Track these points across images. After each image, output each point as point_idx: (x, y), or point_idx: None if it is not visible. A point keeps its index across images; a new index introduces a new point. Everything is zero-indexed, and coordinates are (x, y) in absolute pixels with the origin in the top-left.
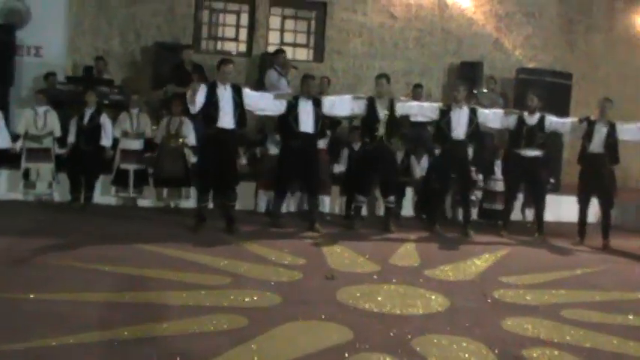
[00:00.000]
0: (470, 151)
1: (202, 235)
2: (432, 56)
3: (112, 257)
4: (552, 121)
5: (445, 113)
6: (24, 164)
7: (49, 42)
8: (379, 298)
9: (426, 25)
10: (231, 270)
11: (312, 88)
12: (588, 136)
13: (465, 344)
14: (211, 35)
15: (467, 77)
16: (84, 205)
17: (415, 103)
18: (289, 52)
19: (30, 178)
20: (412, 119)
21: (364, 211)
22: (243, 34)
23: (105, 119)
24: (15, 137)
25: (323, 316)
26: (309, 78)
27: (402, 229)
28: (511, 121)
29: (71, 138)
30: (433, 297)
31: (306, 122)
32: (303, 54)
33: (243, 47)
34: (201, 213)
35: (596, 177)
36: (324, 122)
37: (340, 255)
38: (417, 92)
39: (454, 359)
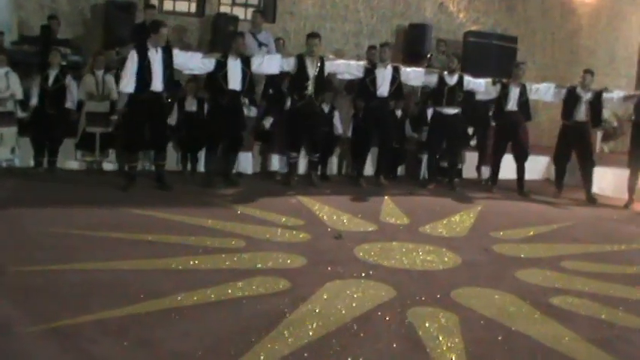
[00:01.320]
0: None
1: (184, 197)
2: (381, 18)
3: (117, 224)
4: (470, 81)
5: (370, 71)
6: None
7: None
8: (397, 256)
9: None
10: (240, 232)
11: (242, 46)
12: (505, 96)
13: (497, 296)
14: None
15: (416, 39)
16: (50, 171)
17: (342, 62)
18: (240, 13)
19: None
20: (339, 77)
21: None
22: None
23: (70, 81)
24: None
25: (355, 274)
26: (238, 36)
27: (329, 185)
28: (432, 80)
29: (34, 101)
30: (443, 253)
31: (235, 80)
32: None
33: (194, 7)
34: (132, 173)
35: (512, 133)
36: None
37: (333, 214)
38: (370, 53)
39: (498, 309)
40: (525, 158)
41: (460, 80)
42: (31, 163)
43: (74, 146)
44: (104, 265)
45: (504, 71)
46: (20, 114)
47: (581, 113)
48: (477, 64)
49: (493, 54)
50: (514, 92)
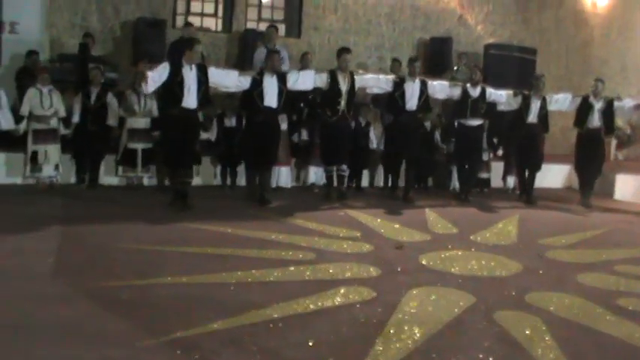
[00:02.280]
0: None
1: (235, 212)
2: (402, 32)
3: (182, 239)
4: (491, 92)
5: (399, 85)
6: (31, 147)
7: (24, 18)
8: (462, 263)
9: (396, 2)
10: (307, 245)
11: (277, 63)
12: (526, 108)
13: (567, 300)
14: (190, 11)
15: (438, 53)
16: (92, 187)
17: (371, 76)
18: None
19: (38, 160)
20: (368, 91)
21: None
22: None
23: (111, 98)
24: (18, 118)
25: (430, 282)
26: (274, 53)
27: (361, 198)
28: (456, 92)
29: (76, 118)
30: (503, 260)
31: (271, 97)
32: (281, 30)
33: (220, 24)
34: (177, 189)
35: (531, 144)
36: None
37: (384, 225)
38: (395, 66)
39: (573, 311)
40: (539, 169)
41: (483, 92)
42: (73, 179)
43: (114, 162)
44: (190, 279)
45: (524, 83)
46: (63, 131)
47: (594, 121)
48: (498, 76)
49: (513, 66)
50: (535, 104)
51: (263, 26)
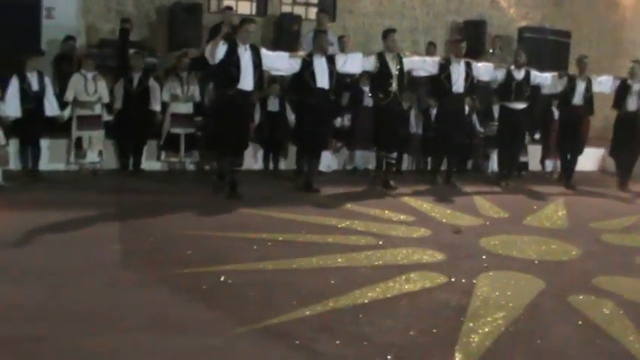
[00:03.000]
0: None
1: (286, 196)
2: (436, 15)
3: (241, 224)
4: (536, 75)
5: (444, 67)
6: (75, 132)
7: (61, 3)
8: (521, 247)
9: None
10: (368, 230)
11: (326, 44)
12: (571, 90)
13: (637, 283)
14: None
15: (471, 36)
16: (136, 172)
17: (418, 58)
18: (301, 12)
19: (82, 146)
20: (414, 74)
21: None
22: None
23: (153, 83)
24: (62, 104)
25: (497, 266)
26: (321, 33)
27: (404, 183)
28: (500, 74)
29: (118, 104)
30: (561, 244)
31: (322, 78)
32: (314, 13)
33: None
34: (223, 174)
35: (576, 126)
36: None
37: (436, 209)
38: (430, 49)
39: None
40: (581, 152)
41: (527, 75)
42: (115, 165)
43: (157, 147)
44: (264, 266)
45: (559, 65)
46: (106, 117)
47: (632, 104)
48: (532, 59)
49: (547, 49)
50: (580, 86)
51: (298, 10)
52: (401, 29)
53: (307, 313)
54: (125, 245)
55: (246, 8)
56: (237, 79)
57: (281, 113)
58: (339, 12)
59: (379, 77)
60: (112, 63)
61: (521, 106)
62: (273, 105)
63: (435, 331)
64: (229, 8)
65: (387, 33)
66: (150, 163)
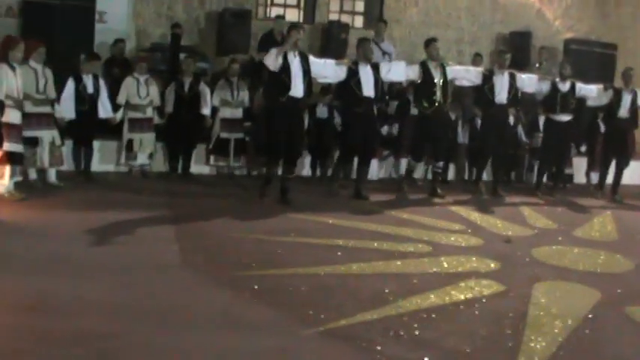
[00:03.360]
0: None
1: (335, 203)
2: (482, 26)
3: (294, 229)
4: (581, 87)
5: (488, 78)
6: (127, 135)
7: (112, 7)
8: (574, 258)
9: None
10: (420, 238)
11: (370, 52)
12: (617, 102)
13: None
14: (273, 2)
15: (517, 47)
16: (185, 175)
17: (461, 68)
18: (348, 20)
19: (133, 149)
20: (457, 83)
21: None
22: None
23: (204, 87)
24: (114, 107)
25: (552, 277)
26: (365, 42)
27: (449, 192)
28: (545, 86)
29: (169, 107)
30: (613, 256)
31: (368, 87)
32: (360, 22)
33: (302, 15)
34: (270, 180)
35: (621, 139)
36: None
37: (485, 219)
38: (477, 60)
39: None
40: (627, 165)
41: (572, 87)
42: (164, 167)
43: (206, 151)
44: (320, 270)
45: (605, 78)
46: (157, 120)
47: None
48: (578, 71)
49: (593, 61)
50: (626, 99)
51: (345, 18)
52: (446, 39)
53: (369, 317)
54: (183, 246)
55: (294, 16)
56: (288, 87)
57: (329, 120)
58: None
59: (423, 86)
60: (163, 67)
61: (566, 118)
62: (321, 112)
63: (497, 337)
64: (282, 17)
65: (429, 42)
66: (198, 166)
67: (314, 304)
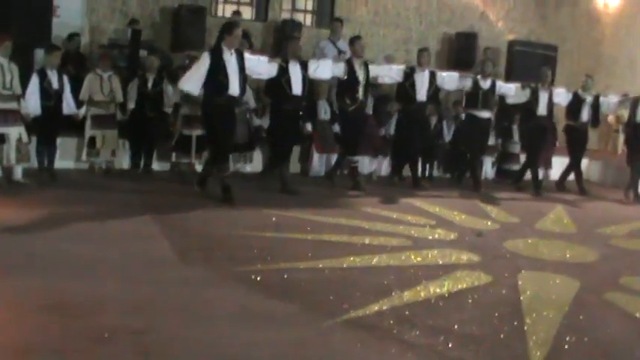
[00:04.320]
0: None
1: (305, 198)
2: (429, 26)
3: (279, 225)
4: (501, 85)
5: (409, 76)
6: (89, 131)
7: (65, 2)
8: (545, 250)
9: None
10: (399, 232)
11: (298, 50)
12: (535, 101)
13: None
14: None
15: (463, 48)
16: (146, 172)
17: (384, 66)
18: (300, 18)
19: (96, 145)
20: (379, 81)
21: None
22: None
23: (167, 85)
24: (78, 103)
25: (530, 267)
26: (294, 39)
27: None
28: (467, 84)
29: (131, 104)
30: (578, 248)
31: (297, 85)
32: (310, 21)
33: (255, 12)
34: (226, 183)
35: (541, 137)
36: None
37: (449, 213)
38: (422, 56)
39: None
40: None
41: (493, 84)
42: (125, 164)
43: (169, 148)
44: (317, 264)
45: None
46: (120, 116)
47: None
48: (522, 72)
49: (536, 62)
50: (544, 97)
51: (296, 16)
52: (395, 39)
53: (379, 307)
54: (174, 243)
55: (247, 13)
56: (226, 86)
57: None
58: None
59: (347, 84)
60: (122, 63)
61: (487, 114)
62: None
63: (501, 323)
64: (237, 13)
65: (354, 40)
66: (159, 164)
67: (325, 297)
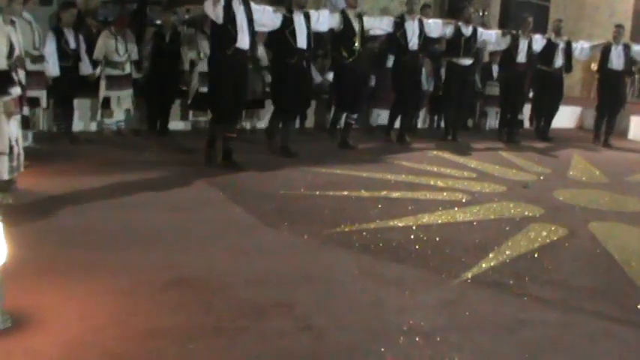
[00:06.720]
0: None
1: (338, 155)
2: None
3: (326, 183)
4: (483, 32)
5: (400, 25)
6: (104, 92)
7: None
8: (594, 199)
9: None
10: (454, 186)
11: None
12: (515, 48)
13: None
14: None
15: None
16: (163, 132)
17: (376, 18)
18: None
19: (110, 106)
20: (371, 32)
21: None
22: None
23: (184, 42)
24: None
25: (591, 217)
26: None
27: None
28: (449, 31)
29: (146, 62)
30: (621, 197)
31: (302, 38)
32: None
33: None
34: (229, 146)
35: (518, 84)
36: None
37: (482, 164)
38: (425, 12)
39: None
40: (520, 109)
41: (474, 31)
42: (138, 125)
43: (181, 106)
44: (398, 222)
45: (540, 28)
46: (135, 75)
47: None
48: (516, 22)
49: (529, 12)
50: (523, 44)
51: None
52: None
53: (489, 264)
54: (247, 208)
55: None
56: (234, 38)
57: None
58: None
59: (343, 35)
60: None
61: (468, 62)
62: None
63: (606, 273)
64: None
65: None
66: (175, 122)
67: (432, 257)
